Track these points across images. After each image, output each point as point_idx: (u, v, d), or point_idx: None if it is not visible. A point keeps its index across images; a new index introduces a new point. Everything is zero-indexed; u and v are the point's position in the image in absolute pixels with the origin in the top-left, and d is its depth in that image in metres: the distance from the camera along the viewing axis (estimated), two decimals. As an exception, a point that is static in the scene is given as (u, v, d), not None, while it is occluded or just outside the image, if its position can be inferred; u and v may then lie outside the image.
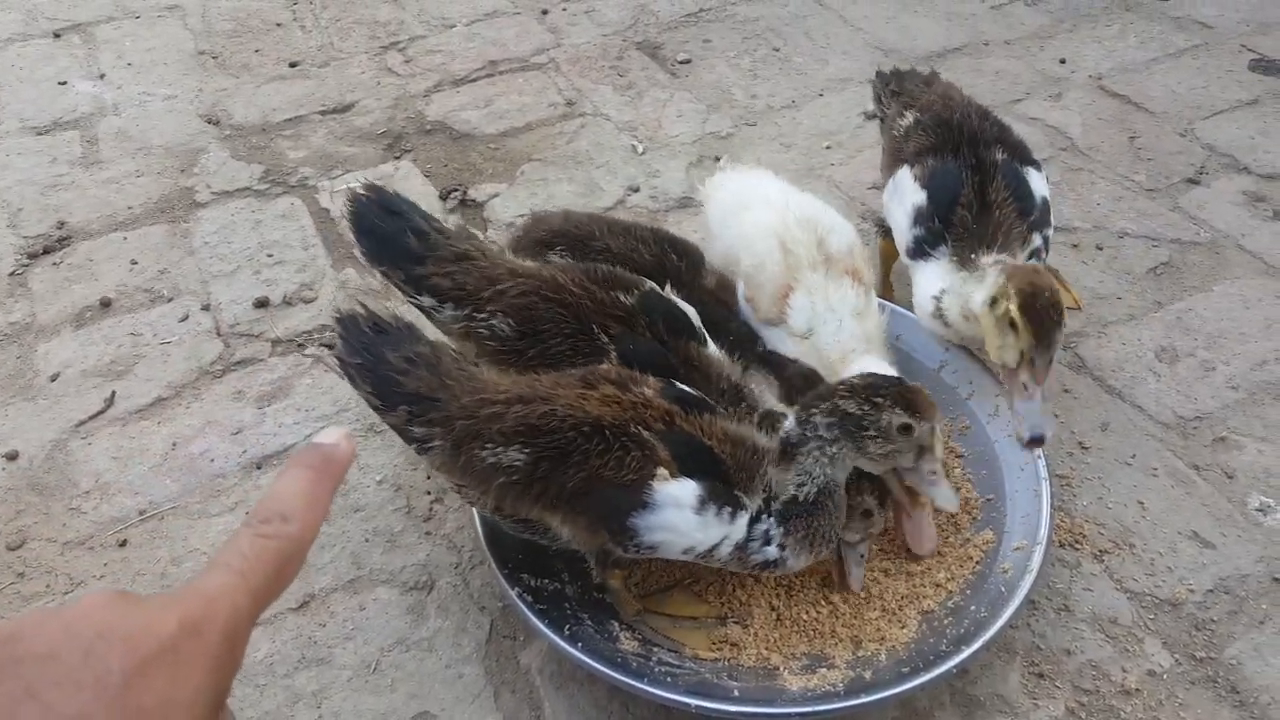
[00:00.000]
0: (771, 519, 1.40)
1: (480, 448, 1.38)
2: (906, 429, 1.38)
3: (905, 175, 1.95)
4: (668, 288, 1.68)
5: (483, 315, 1.62)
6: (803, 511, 1.40)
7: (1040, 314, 1.56)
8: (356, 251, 1.72)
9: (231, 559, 0.61)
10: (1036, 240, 1.84)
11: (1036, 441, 1.55)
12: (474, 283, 1.63)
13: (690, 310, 1.64)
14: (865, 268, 1.82)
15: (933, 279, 1.85)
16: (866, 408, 1.37)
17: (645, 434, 1.37)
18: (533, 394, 1.41)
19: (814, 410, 1.39)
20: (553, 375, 1.47)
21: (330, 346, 1.52)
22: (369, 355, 1.45)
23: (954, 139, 1.93)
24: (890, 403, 1.38)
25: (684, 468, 1.37)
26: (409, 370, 1.43)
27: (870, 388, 1.40)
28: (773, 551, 1.40)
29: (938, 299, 1.83)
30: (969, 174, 1.88)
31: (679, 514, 1.34)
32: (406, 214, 1.69)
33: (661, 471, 1.35)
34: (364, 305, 1.53)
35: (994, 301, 1.64)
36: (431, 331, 1.65)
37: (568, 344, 1.58)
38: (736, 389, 1.59)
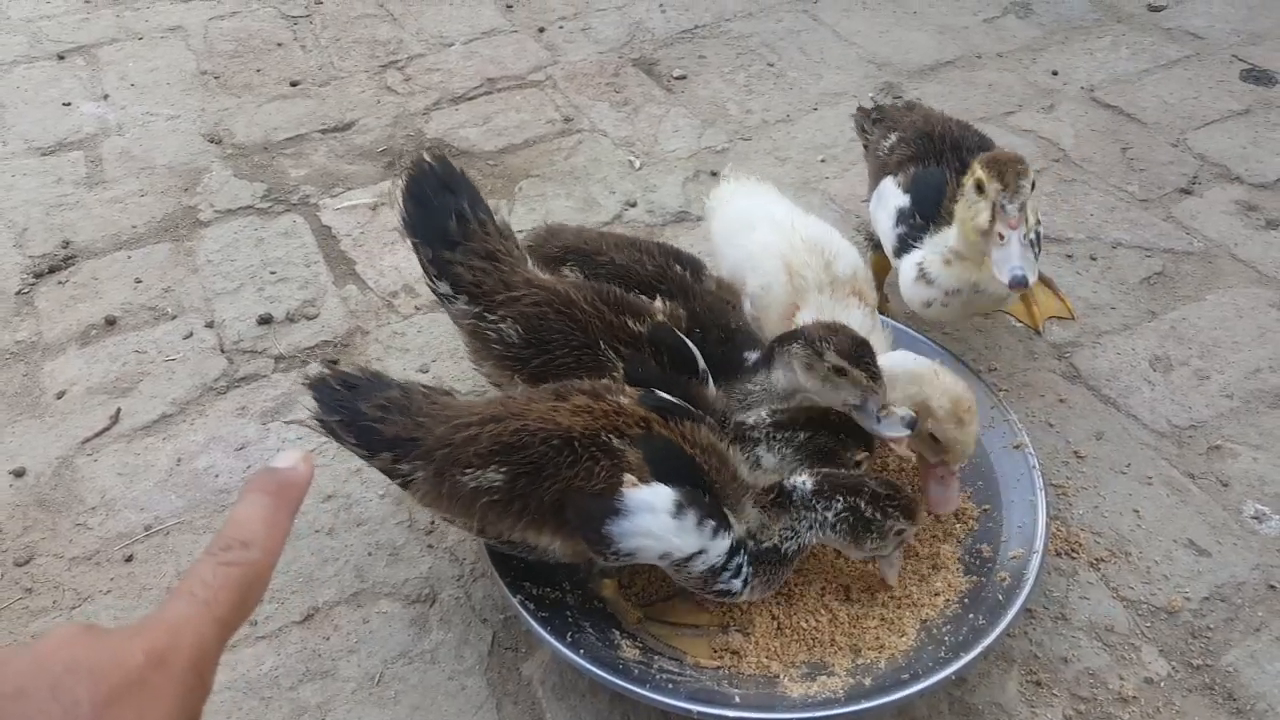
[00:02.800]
0: (745, 556, 1.45)
1: (460, 473, 1.42)
2: (900, 534, 1.52)
3: (888, 183, 1.99)
4: (659, 300, 1.70)
5: (493, 317, 1.65)
6: (776, 560, 1.48)
7: (1001, 164, 1.64)
8: (397, 213, 1.73)
9: (195, 588, 0.61)
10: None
11: (1018, 283, 1.60)
12: (491, 284, 1.67)
13: (695, 350, 1.65)
14: (869, 290, 1.84)
15: (916, 256, 1.89)
16: (879, 515, 1.48)
17: (615, 441, 1.40)
18: (505, 412, 1.45)
19: (836, 499, 1.48)
20: (529, 390, 1.51)
21: (318, 379, 1.56)
22: (345, 411, 1.50)
23: (936, 147, 1.97)
24: (897, 513, 1.49)
25: (658, 473, 1.38)
26: (384, 418, 1.48)
27: (888, 498, 1.49)
28: (737, 585, 1.46)
29: (920, 264, 1.87)
30: (953, 175, 1.91)
31: (654, 518, 1.36)
32: (459, 195, 1.71)
33: (629, 477, 1.37)
34: (330, 366, 1.58)
35: (961, 185, 1.72)
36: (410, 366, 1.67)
37: (573, 357, 1.60)
38: (725, 420, 1.61)
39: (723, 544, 1.41)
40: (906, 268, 1.91)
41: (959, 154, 1.95)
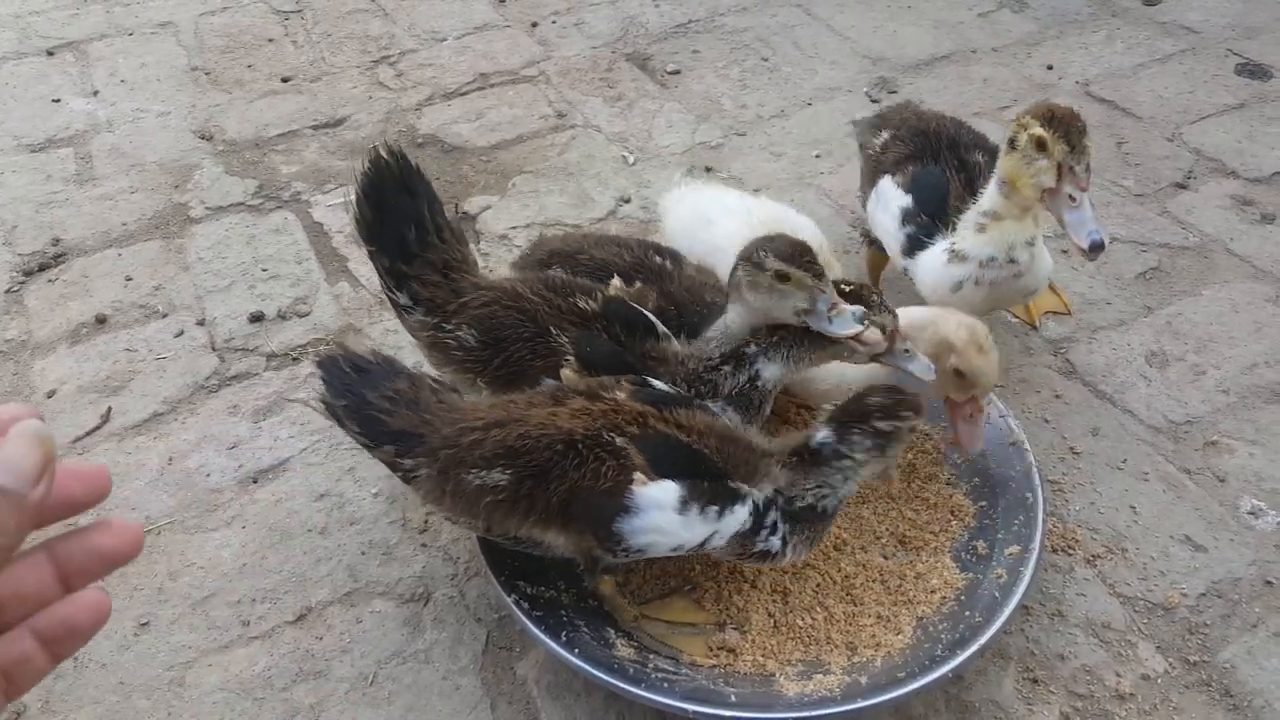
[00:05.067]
0: (778, 515, 1.44)
1: (465, 472, 1.41)
2: (912, 430, 1.48)
3: (887, 183, 1.97)
4: (617, 280, 1.70)
5: (449, 326, 1.64)
6: (815, 518, 1.47)
7: (1064, 122, 1.59)
8: (351, 216, 1.65)
9: None
10: None
11: (1097, 248, 1.57)
12: (443, 295, 1.66)
13: (650, 316, 1.64)
14: (834, 261, 1.87)
15: (940, 247, 1.85)
16: (897, 424, 1.45)
17: (619, 440, 1.39)
18: (508, 417, 1.44)
19: (855, 430, 1.45)
20: (526, 395, 1.50)
21: (328, 358, 1.53)
22: (352, 396, 1.48)
23: (932, 145, 1.96)
24: (908, 413, 1.46)
25: (660, 469, 1.38)
26: (391, 410, 1.47)
27: (897, 405, 1.46)
28: (776, 543, 1.45)
29: (949, 247, 1.82)
30: (953, 173, 1.90)
31: (662, 515, 1.37)
32: (418, 197, 1.65)
33: (638, 476, 1.37)
34: (343, 346, 1.55)
35: (1012, 142, 1.66)
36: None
37: (526, 348, 1.59)
38: (696, 375, 1.59)
39: (734, 518, 1.41)
40: (932, 256, 1.87)
41: (955, 151, 1.94)
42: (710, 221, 1.93)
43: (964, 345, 1.59)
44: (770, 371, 1.58)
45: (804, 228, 1.90)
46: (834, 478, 1.45)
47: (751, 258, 1.50)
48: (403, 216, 1.64)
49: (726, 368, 1.58)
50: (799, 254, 1.49)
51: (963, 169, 1.91)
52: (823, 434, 1.46)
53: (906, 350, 1.55)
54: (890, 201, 1.94)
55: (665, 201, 2.12)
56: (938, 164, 1.92)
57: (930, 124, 2.02)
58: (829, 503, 1.47)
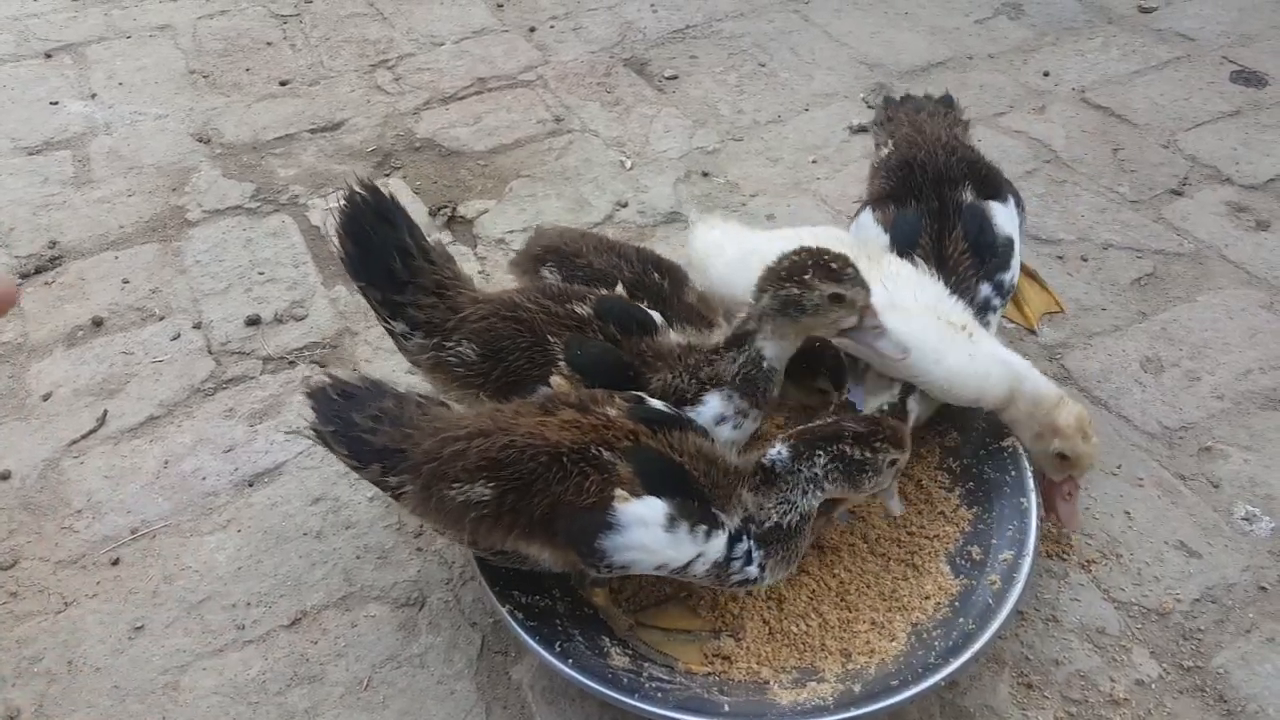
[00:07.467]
0: (751, 541, 1.44)
1: (448, 487, 1.40)
2: (894, 463, 1.49)
3: (867, 217, 1.95)
4: (620, 288, 1.70)
5: (449, 344, 1.63)
6: (783, 536, 1.46)
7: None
8: (337, 256, 1.68)
9: None
10: (985, 290, 1.81)
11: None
12: (440, 314, 1.65)
13: (648, 311, 1.64)
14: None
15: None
16: (869, 453, 1.46)
17: (606, 455, 1.38)
18: (493, 426, 1.43)
19: (817, 453, 1.45)
20: (514, 404, 1.49)
21: (318, 388, 1.53)
22: (340, 420, 1.49)
23: (917, 180, 1.92)
24: (885, 445, 1.47)
25: (649, 485, 1.37)
26: (375, 429, 1.47)
27: (871, 435, 1.47)
28: (753, 571, 1.45)
29: None
30: (928, 221, 1.87)
31: (647, 532, 1.36)
32: (398, 226, 1.66)
33: (620, 492, 1.36)
34: (330, 375, 1.56)
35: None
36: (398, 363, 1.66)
37: (524, 357, 1.59)
38: (696, 356, 1.59)
39: (718, 541, 1.41)
40: None
41: (939, 189, 1.89)
42: (755, 253, 1.80)
43: (1072, 432, 1.64)
44: (771, 349, 1.56)
45: (846, 238, 1.87)
46: (792, 493, 1.45)
47: (797, 278, 1.49)
48: (386, 247, 1.65)
49: (730, 353, 1.57)
50: (848, 273, 1.49)
51: (941, 213, 1.88)
52: (775, 450, 1.47)
53: (876, 328, 1.54)
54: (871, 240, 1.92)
55: (699, 245, 1.96)
56: (918, 205, 1.89)
57: (920, 152, 1.97)
58: (792, 519, 1.46)
